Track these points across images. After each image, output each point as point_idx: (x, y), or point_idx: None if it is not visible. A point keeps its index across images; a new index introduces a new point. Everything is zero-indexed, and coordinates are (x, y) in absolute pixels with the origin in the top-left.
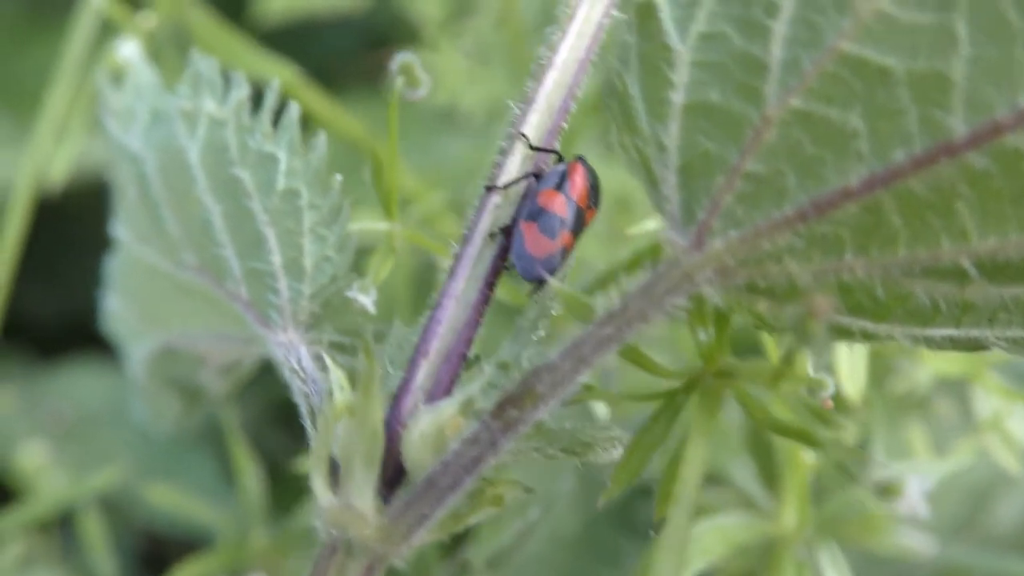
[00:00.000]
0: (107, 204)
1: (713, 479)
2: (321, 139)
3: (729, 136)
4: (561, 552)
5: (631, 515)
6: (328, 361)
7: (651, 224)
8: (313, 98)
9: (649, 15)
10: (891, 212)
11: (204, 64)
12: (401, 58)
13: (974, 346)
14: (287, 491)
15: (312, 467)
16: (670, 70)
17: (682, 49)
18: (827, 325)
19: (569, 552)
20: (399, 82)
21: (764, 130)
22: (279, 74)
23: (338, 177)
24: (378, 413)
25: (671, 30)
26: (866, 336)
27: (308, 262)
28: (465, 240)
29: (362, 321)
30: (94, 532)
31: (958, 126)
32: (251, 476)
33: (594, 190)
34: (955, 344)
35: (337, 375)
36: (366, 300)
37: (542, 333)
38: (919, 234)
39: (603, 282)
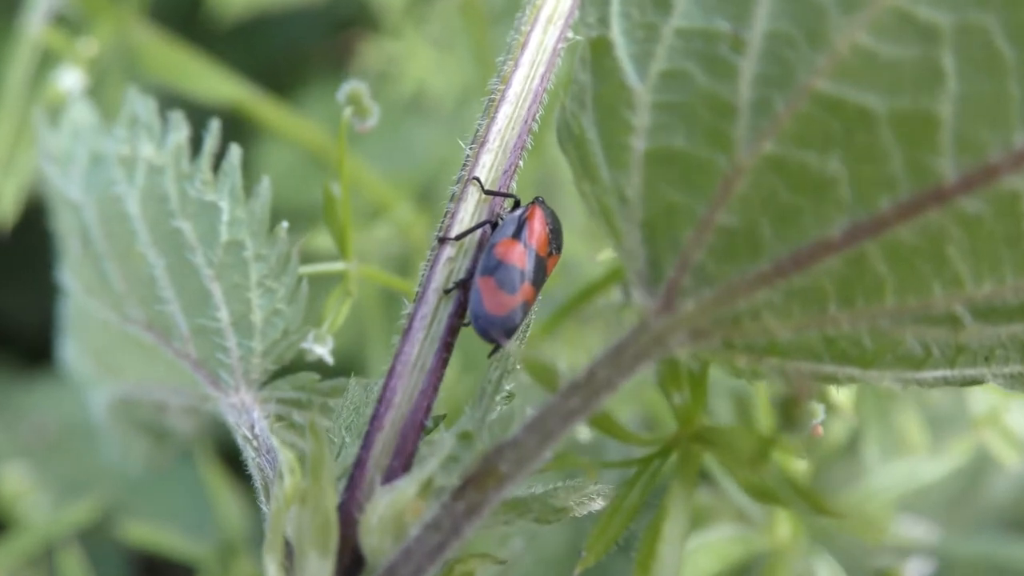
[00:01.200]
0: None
1: (704, 477)
2: (264, 185)
3: (697, 186)
4: (548, 573)
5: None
6: (275, 442)
7: None
8: (268, 110)
9: (604, 51)
10: (877, 260)
11: (140, 104)
12: (348, 87)
13: (969, 383)
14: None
15: (265, 554)
16: (630, 112)
17: (641, 89)
18: (810, 375)
19: (555, 572)
20: (347, 112)
21: (735, 179)
22: (230, 90)
23: (284, 224)
24: (331, 499)
25: (628, 68)
26: (852, 380)
27: (257, 317)
28: (418, 298)
29: (314, 382)
30: (74, 568)
31: (948, 169)
32: (229, 506)
33: (555, 234)
34: (949, 383)
35: (287, 457)
36: (323, 351)
37: (507, 391)
38: (908, 282)
39: (568, 309)
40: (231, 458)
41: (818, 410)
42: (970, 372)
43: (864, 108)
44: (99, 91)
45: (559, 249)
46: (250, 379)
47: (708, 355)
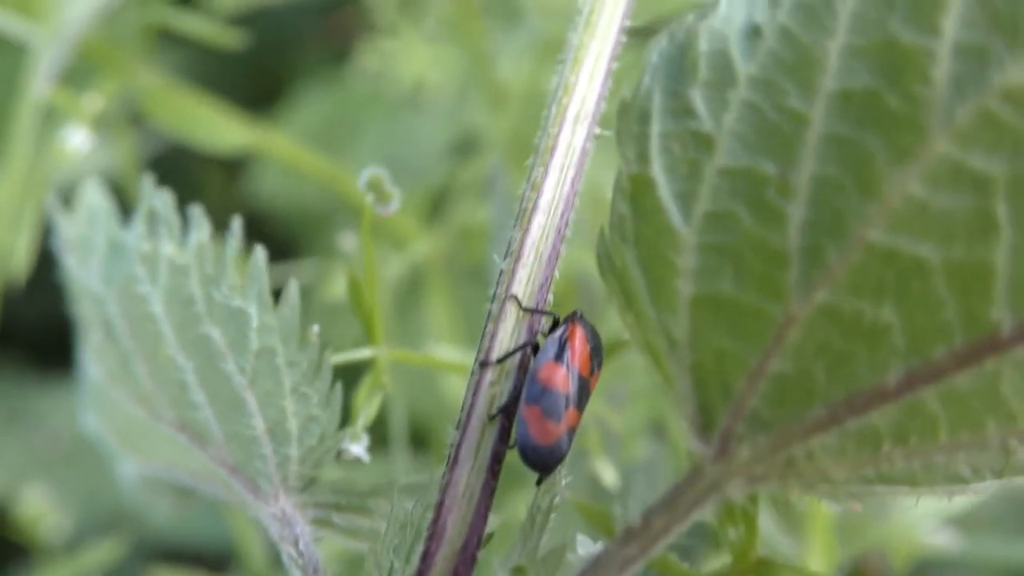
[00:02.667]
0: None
1: None
2: (293, 289)
3: (748, 333)
4: None
5: None
6: None
7: None
8: (283, 146)
9: (645, 188)
10: (932, 403)
11: (158, 199)
12: (368, 174)
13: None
14: None
15: None
16: (674, 254)
17: (686, 231)
18: (862, 497)
19: None
20: (369, 199)
21: (788, 328)
22: (239, 135)
23: (315, 329)
24: None
25: (672, 208)
26: (897, 496)
27: (293, 424)
28: (462, 426)
29: (352, 485)
30: None
31: (1004, 319)
32: (252, 543)
33: (596, 352)
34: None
35: None
36: (359, 450)
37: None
38: (961, 419)
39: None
40: None
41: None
42: (1020, 479)
43: (918, 258)
44: (105, 140)
45: (600, 365)
46: (289, 486)
47: (763, 492)
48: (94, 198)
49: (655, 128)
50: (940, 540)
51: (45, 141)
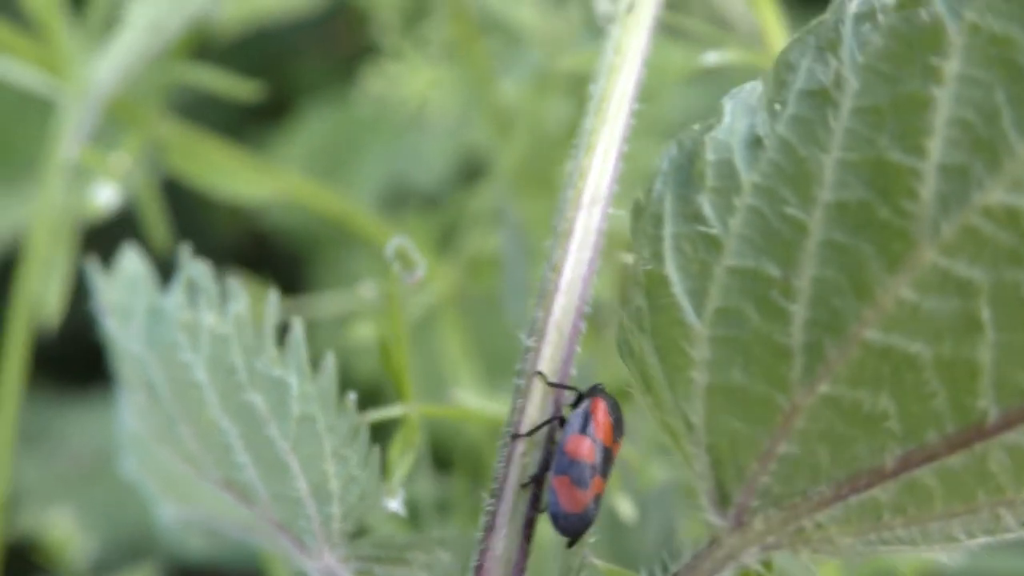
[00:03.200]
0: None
1: None
2: (329, 361)
3: (758, 419)
4: None
5: None
6: None
7: None
8: (309, 190)
9: (659, 285)
10: (927, 479)
11: (196, 270)
12: (395, 244)
13: None
14: None
15: None
16: (688, 346)
17: (699, 326)
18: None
19: None
20: (396, 267)
21: (794, 416)
22: (268, 183)
23: (352, 397)
24: None
25: (685, 304)
26: (898, 553)
27: (335, 485)
28: (498, 495)
29: (392, 540)
30: None
31: (990, 408)
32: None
33: (618, 423)
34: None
35: None
36: (395, 504)
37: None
38: (954, 493)
39: None
40: None
41: None
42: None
43: (910, 354)
44: (130, 195)
45: (622, 435)
46: (332, 542)
47: (775, 559)
48: (133, 265)
49: (667, 230)
50: (943, 557)
51: (72, 190)
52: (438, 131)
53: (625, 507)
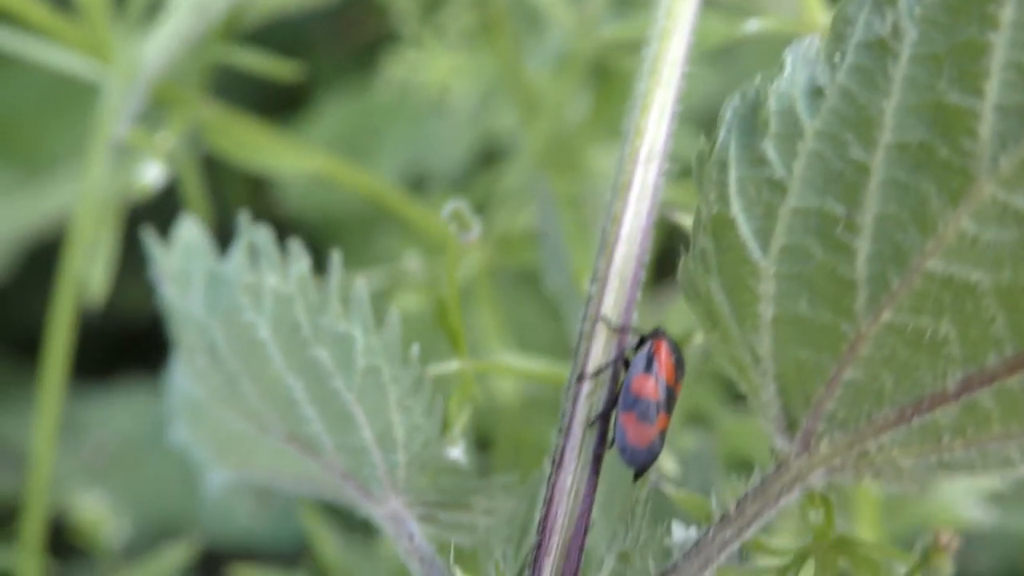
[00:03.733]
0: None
1: None
2: (394, 315)
3: (824, 347)
4: None
5: None
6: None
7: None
8: (345, 172)
9: (725, 226)
10: (986, 402)
11: (258, 234)
12: (451, 207)
13: None
14: None
15: None
16: (755, 282)
17: (765, 263)
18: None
19: None
20: (452, 228)
21: (859, 343)
22: (304, 162)
23: (415, 349)
24: None
25: (751, 244)
26: (956, 479)
27: (399, 434)
28: (565, 431)
29: (455, 485)
30: None
31: None
32: (330, 547)
33: (679, 364)
34: None
35: None
36: (457, 453)
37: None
38: (1011, 413)
39: None
40: None
41: None
42: None
43: (970, 283)
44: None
45: (683, 375)
46: (397, 488)
47: (838, 482)
48: (190, 233)
49: (733, 175)
50: (976, 515)
51: (114, 172)
52: (458, 118)
53: (669, 465)
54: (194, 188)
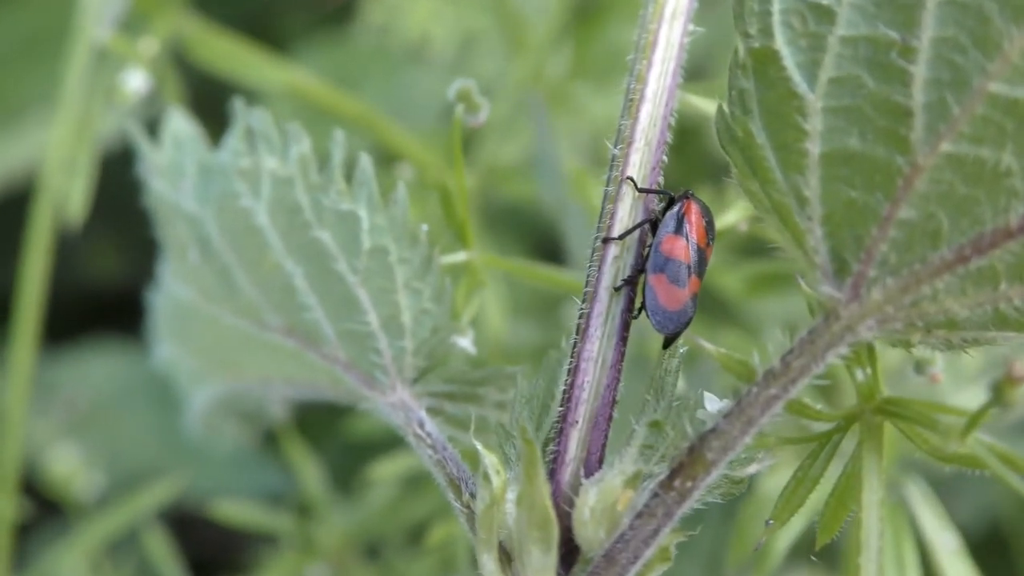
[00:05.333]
0: (110, 181)
1: None
2: (401, 191)
3: (876, 184)
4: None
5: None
6: (480, 448)
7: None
8: (329, 95)
9: (768, 61)
10: None
11: (255, 118)
12: (458, 85)
13: None
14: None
15: (482, 555)
16: (801, 118)
17: (812, 97)
18: (973, 341)
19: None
20: (459, 109)
21: (914, 177)
22: (283, 76)
23: (424, 227)
24: (546, 498)
25: (797, 76)
26: (1008, 341)
27: (407, 318)
28: (591, 297)
29: (465, 374)
30: (160, 549)
31: None
32: (312, 478)
33: (710, 226)
34: None
35: (491, 459)
36: (466, 342)
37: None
38: None
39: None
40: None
41: (938, 359)
42: None
43: None
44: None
45: (714, 239)
46: (404, 377)
47: (888, 336)
48: (180, 125)
49: (776, 6)
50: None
51: (94, 86)
52: (439, 66)
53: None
54: (178, 98)
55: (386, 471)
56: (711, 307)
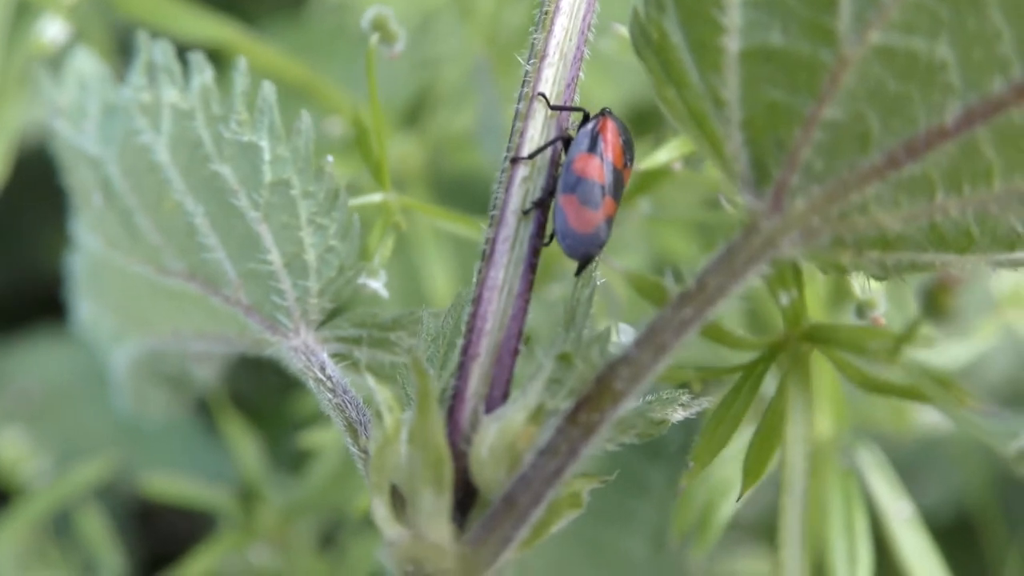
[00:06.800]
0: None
1: None
2: (306, 120)
3: (800, 82)
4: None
5: (638, 476)
6: (371, 382)
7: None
8: (258, 50)
9: None
10: (986, 146)
11: (157, 49)
12: (372, 13)
13: None
14: (269, 430)
15: (373, 500)
16: (718, 12)
17: None
18: (909, 265)
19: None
20: (374, 39)
21: (841, 72)
22: (211, 29)
23: (329, 159)
24: (440, 435)
25: None
26: (947, 266)
27: (311, 256)
28: (497, 221)
29: (373, 317)
30: (95, 529)
31: None
32: (250, 455)
33: (628, 146)
34: None
35: (385, 395)
36: (377, 285)
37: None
38: (1015, 164)
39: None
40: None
41: (879, 302)
42: None
43: None
44: (81, 39)
45: (632, 160)
46: (309, 320)
47: (814, 253)
48: (84, 63)
49: None
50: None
51: (15, 41)
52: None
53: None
54: (102, 51)
55: (322, 440)
56: None
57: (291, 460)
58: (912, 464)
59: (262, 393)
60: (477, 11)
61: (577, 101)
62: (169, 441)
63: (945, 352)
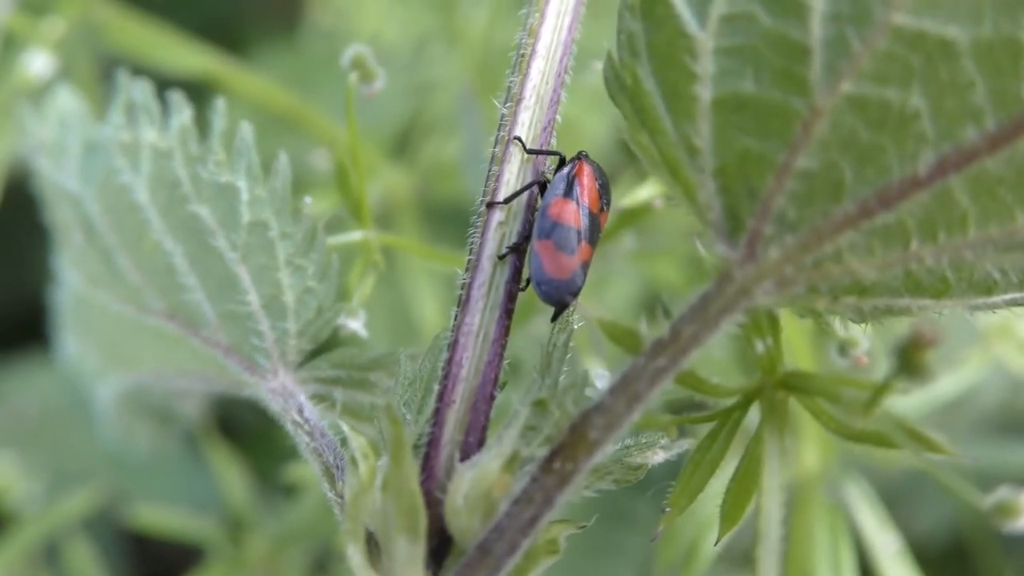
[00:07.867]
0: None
1: None
2: (283, 161)
3: (772, 131)
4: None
5: (625, 509)
6: (346, 429)
7: (645, 192)
8: (235, 77)
9: (657, 1)
10: (960, 194)
11: (136, 89)
12: (352, 52)
13: None
14: (261, 456)
15: (348, 547)
16: (691, 60)
17: (702, 36)
18: (885, 310)
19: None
20: (352, 78)
21: (813, 122)
22: (197, 60)
23: (307, 200)
24: (414, 482)
25: (686, 15)
26: (924, 310)
27: (289, 297)
28: (472, 266)
29: (353, 358)
30: (84, 559)
31: None
32: (236, 485)
33: (604, 189)
34: (1016, 304)
35: (359, 442)
36: (356, 325)
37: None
38: (990, 212)
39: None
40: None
41: (861, 340)
42: None
43: (945, 39)
44: (67, 73)
45: (609, 204)
46: (287, 361)
47: (790, 301)
48: (65, 101)
49: None
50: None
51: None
52: (392, 68)
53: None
54: (88, 83)
55: (306, 474)
56: None
57: (285, 485)
58: (905, 490)
59: (254, 417)
60: (467, 36)
61: (554, 144)
62: (160, 464)
63: (937, 384)
